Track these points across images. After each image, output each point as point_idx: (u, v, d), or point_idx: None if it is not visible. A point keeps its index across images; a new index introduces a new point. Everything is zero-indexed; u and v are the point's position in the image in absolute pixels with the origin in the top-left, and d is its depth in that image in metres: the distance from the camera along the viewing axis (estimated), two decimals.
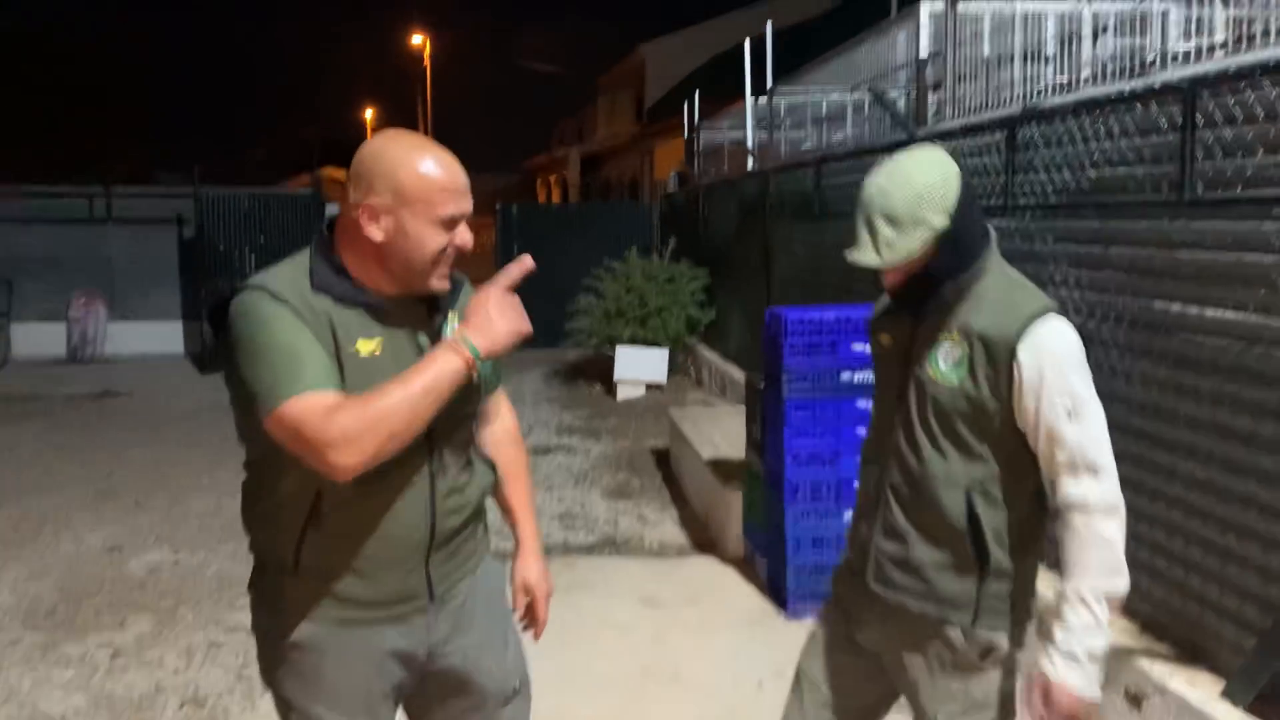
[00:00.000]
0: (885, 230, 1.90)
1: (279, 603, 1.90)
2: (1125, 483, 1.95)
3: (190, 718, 3.66)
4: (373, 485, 1.79)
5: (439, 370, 1.74)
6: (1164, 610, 3.27)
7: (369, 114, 43.63)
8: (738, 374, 8.77)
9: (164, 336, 14.02)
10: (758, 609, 4.63)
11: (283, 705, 1.96)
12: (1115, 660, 3.23)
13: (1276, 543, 2.85)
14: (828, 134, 8.11)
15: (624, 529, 5.92)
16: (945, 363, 1.95)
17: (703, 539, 5.66)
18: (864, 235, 1.94)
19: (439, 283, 1.86)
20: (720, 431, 6.40)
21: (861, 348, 4.53)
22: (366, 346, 1.81)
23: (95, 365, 13.06)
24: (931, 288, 1.95)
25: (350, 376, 1.77)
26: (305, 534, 1.83)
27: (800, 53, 9.10)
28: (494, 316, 1.80)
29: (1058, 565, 1.93)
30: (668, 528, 5.95)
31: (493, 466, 2.10)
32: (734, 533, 5.31)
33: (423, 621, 1.94)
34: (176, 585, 5.06)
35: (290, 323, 1.75)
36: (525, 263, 1.88)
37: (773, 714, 3.61)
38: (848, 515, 4.43)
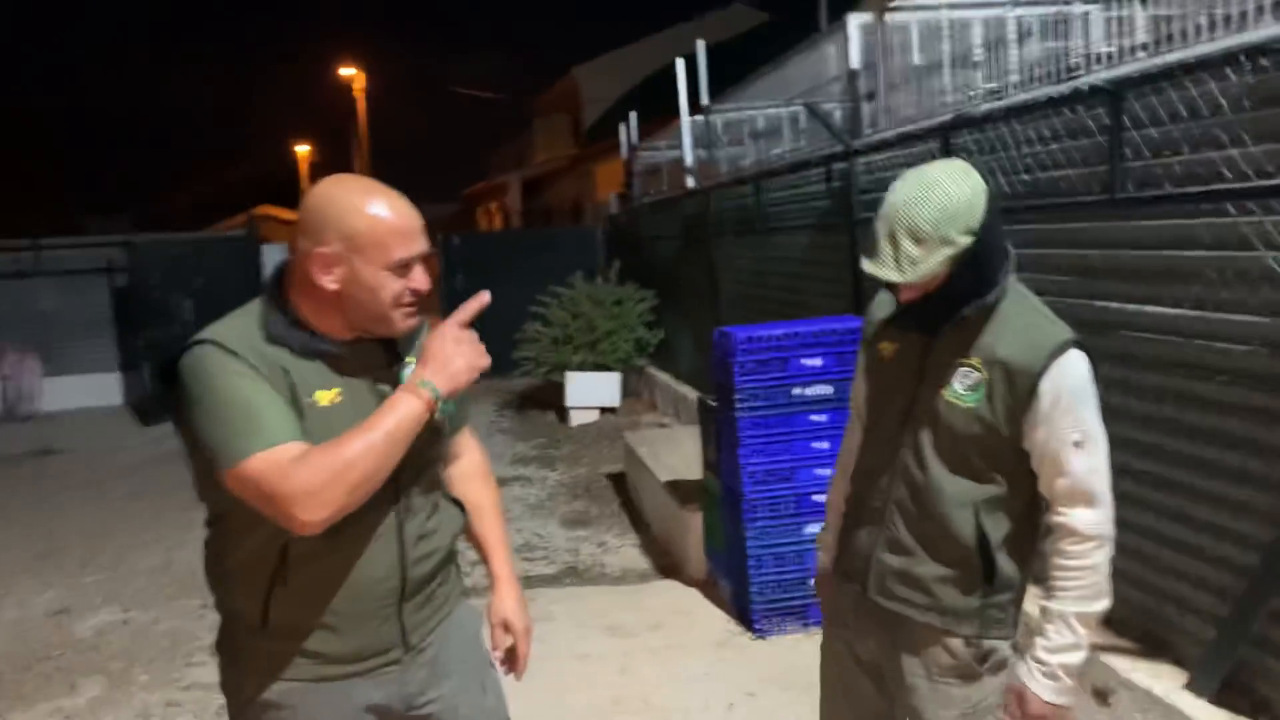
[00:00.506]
0: (909, 246, 1.85)
1: (248, 661, 1.85)
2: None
3: None
4: (339, 537, 1.74)
5: (400, 415, 1.71)
6: (1125, 605, 3.30)
7: (303, 150, 43.19)
8: (690, 394, 8.77)
9: (102, 389, 13.68)
10: (723, 630, 4.60)
11: None
12: None
13: (1227, 531, 2.90)
14: (766, 149, 8.16)
15: (585, 557, 5.86)
16: (962, 386, 1.94)
17: (665, 563, 5.62)
18: (885, 249, 1.88)
19: (404, 323, 1.83)
20: (676, 453, 6.37)
21: (812, 362, 4.54)
22: (326, 397, 1.77)
23: (32, 423, 12.69)
24: (950, 308, 1.92)
25: (311, 427, 1.73)
26: (272, 590, 1.78)
27: (733, 69, 9.17)
28: (451, 354, 1.77)
29: (1040, 579, 1.97)
30: (629, 553, 5.90)
31: (462, 507, 2.05)
32: (695, 555, 5.27)
33: (398, 673, 1.89)
34: (128, 645, 4.91)
35: (245, 375, 1.71)
36: (481, 299, 1.85)
37: None
38: (808, 529, 4.50)
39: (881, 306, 2.16)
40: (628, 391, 10.81)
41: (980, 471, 1.95)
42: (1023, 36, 4.45)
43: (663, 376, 10.35)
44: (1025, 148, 3.76)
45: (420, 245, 1.80)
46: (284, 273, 1.84)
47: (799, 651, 4.30)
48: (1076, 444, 1.88)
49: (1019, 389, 1.89)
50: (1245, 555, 2.83)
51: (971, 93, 4.41)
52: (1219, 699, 2.83)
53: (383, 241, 1.75)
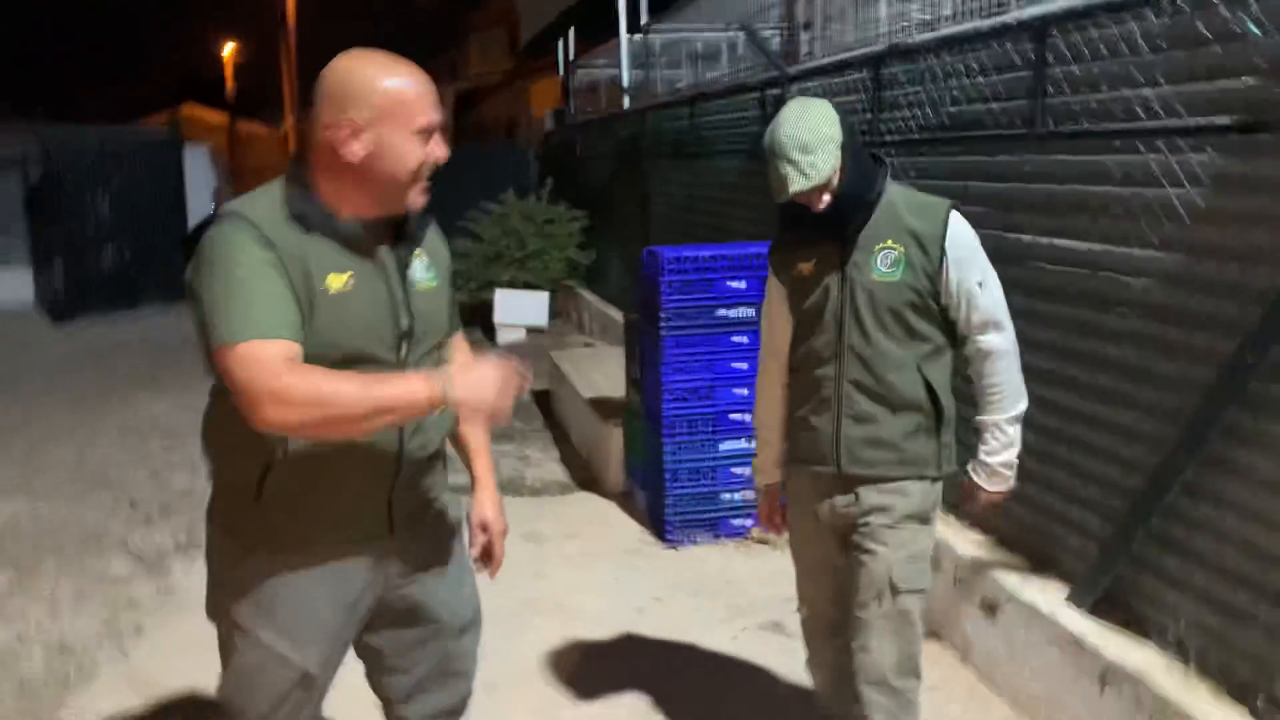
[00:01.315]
0: (802, 158, 2.24)
1: (238, 529, 1.91)
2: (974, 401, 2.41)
3: (57, 669, 3.55)
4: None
5: (402, 394, 1.73)
6: (1017, 525, 3.48)
7: (228, 50, 41.57)
8: (618, 315, 8.81)
9: (10, 285, 13.23)
10: (637, 540, 4.73)
11: (229, 631, 1.96)
12: (972, 573, 3.43)
13: (1116, 456, 3.06)
14: (703, 72, 8.13)
15: (506, 470, 5.92)
16: (884, 265, 2.34)
17: (584, 477, 5.72)
18: (787, 170, 2.26)
19: (418, 198, 1.88)
20: (601, 372, 6.44)
21: (737, 284, 4.61)
22: (338, 281, 1.81)
23: None
24: (856, 203, 2.33)
25: (322, 313, 1.77)
26: (270, 464, 1.82)
27: None
28: (489, 388, 1.75)
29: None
30: (550, 467, 5.99)
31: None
32: (614, 469, 5.38)
33: (382, 553, 1.97)
34: (38, 536, 4.86)
35: (260, 261, 1.74)
36: (528, 379, 1.85)
37: (653, 637, 3.74)
38: (723, 446, 4.62)
39: (783, 240, 2.53)
40: (555, 312, 10.82)
41: (917, 332, 2.36)
42: None
43: (591, 298, 10.37)
44: (953, 80, 3.82)
45: (439, 114, 1.86)
46: (305, 153, 1.87)
47: (707, 561, 4.45)
48: (980, 284, 2.34)
49: (930, 251, 2.32)
50: (1131, 478, 2.99)
51: (905, 24, 4.46)
52: (1096, 611, 3.02)
53: (409, 107, 1.80)
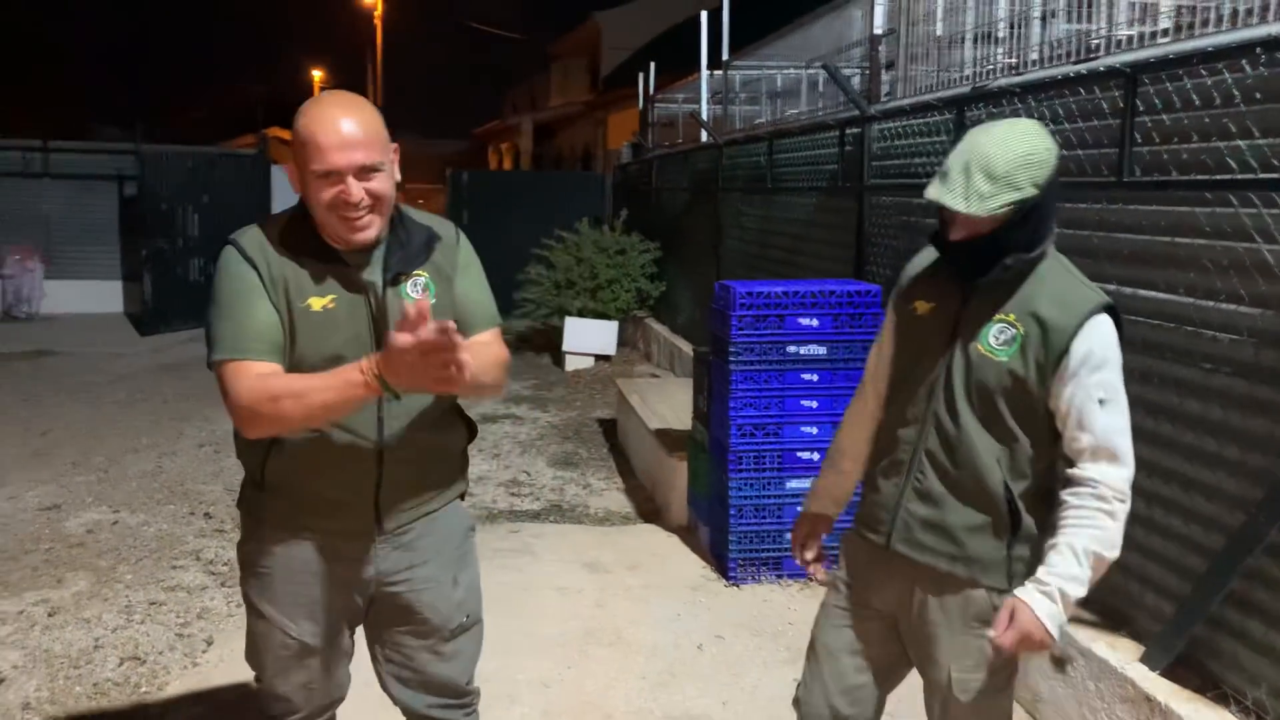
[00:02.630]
0: (980, 182, 1.90)
1: (252, 510, 2.14)
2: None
3: (130, 674, 3.64)
4: (319, 429, 1.97)
5: (340, 388, 1.83)
6: None
7: (317, 75, 42.76)
8: (686, 347, 8.82)
9: (103, 296, 13.73)
10: (699, 575, 4.70)
11: (244, 602, 2.18)
12: None
13: (1197, 514, 2.97)
14: (782, 109, 8.14)
15: (569, 497, 5.96)
16: (996, 341, 2.01)
17: (648, 508, 5.72)
18: (958, 179, 1.93)
19: (352, 233, 1.94)
20: (667, 403, 6.45)
21: (808, 321, 4.59)
22: (319, 302, 1.95)
23: (30, 324, 12.75)
24: (993, 257, 1.97)
25: (303, 331, 1.93)
26: (268, 457, 2.03)
27: (757, 26, 9.11)
28: (412, 372, 1.73)
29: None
30: (613, 496, 6.00)
31: (469, 424, 2.23)
32: (678, 502, 5.37)
33: (370, 549, 2.10)
34: (115, 544, 5.00)
35: (246, 283, 1.91)
36: (421, 307, 1.68)
37: (712, 675, 3.71)
38: (790, 484, 4.58)
39: (917, 266, 2.21)
40: (623, 340, 10.87)
41: (1007, 426, 2.02)
42: (1047, 16, 4.45)
43: (659, 328, 10.40)
44: None
45: (339, 159, 1.86)
46: None
47: (770, 601, 4.41)
48: (1101, 402, 1.95)
49: (1053, 347, 1.96)
50: (1211, 538, 2.90)
51: (990, 67, 4.42)
52: (1169, 673, 2.92)
53: (305, 153, 1.90)
